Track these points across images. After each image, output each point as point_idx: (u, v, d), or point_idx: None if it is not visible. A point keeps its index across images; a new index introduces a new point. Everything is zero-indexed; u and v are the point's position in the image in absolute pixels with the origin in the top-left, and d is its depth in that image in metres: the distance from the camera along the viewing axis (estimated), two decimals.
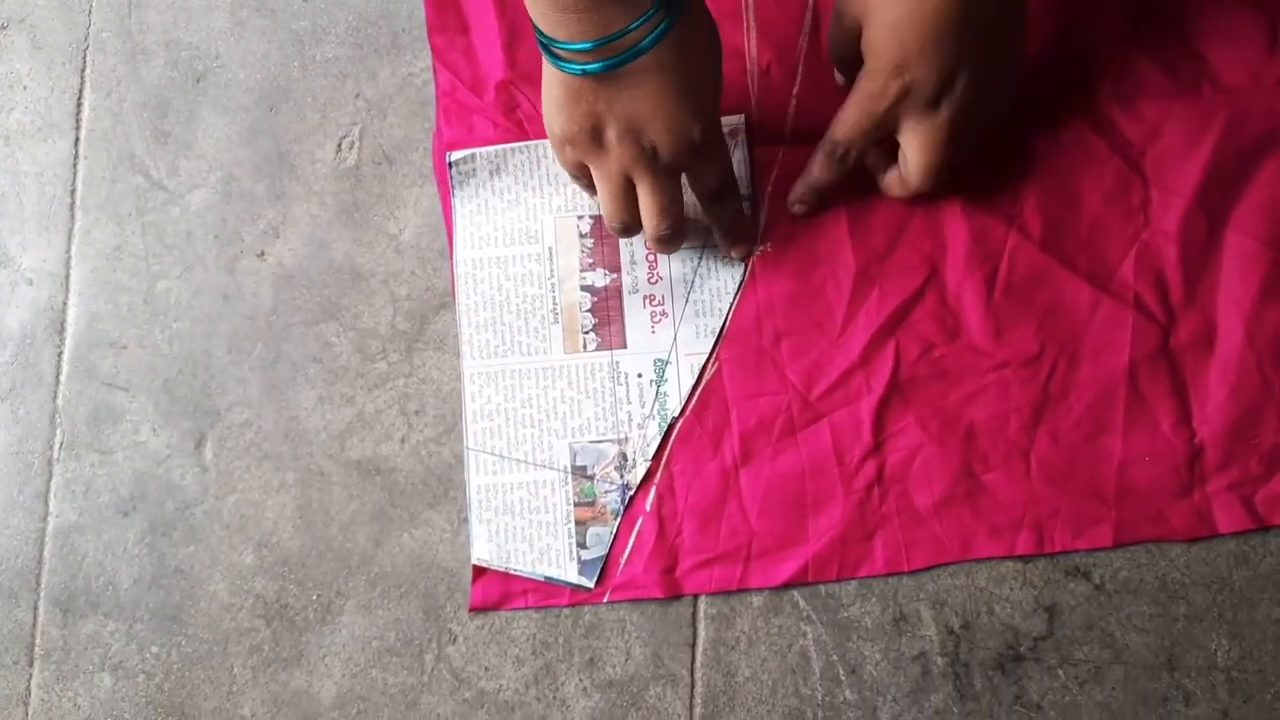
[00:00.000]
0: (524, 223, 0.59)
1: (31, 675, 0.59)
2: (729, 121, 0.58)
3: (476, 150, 0.59)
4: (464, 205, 0.59)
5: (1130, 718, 0.55)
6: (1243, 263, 0.57)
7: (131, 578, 0.59)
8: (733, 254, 0.59)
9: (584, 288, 0.59)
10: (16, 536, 0.59)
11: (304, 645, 0.58)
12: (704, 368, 0.58)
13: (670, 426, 0.58)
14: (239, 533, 0.59)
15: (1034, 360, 0.57)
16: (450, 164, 0.59)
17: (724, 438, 0.58)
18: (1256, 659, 0.55)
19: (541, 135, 0.59)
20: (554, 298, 0.59)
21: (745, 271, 0.58)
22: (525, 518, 0.58)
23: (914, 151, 0.53)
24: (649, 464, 0.58)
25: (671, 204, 0.53)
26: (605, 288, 0.59)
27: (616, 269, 0.59)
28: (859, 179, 0.57)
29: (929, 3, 0.49)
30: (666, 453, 0.58)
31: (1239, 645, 0.56)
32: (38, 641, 0.59)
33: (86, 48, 0.62)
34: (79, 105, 0.61)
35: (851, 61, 0.53)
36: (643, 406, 0.58)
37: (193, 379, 0.60)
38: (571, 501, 0.58)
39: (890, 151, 0.55)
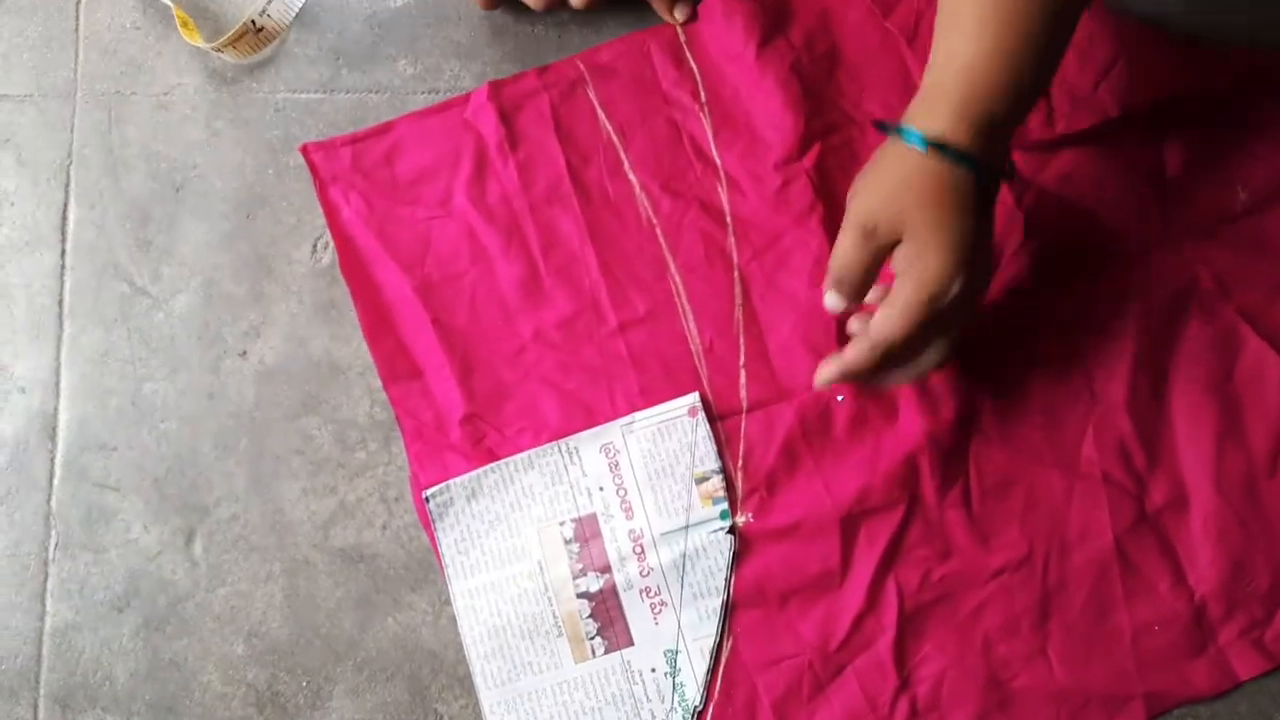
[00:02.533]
0: (509, 540, 0.60)
1: None
2: (685, 401, 0.60)
3: (450, 481, 0.61)
4: (447, 536, 0.60)
5: None
6: (1193, 416, 0.60)
7: (128, 672, 0.61)
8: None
9: (580, 595, 0.60)
10: (16, 636, 0.62)
11: None
12: (717, 649, 0.59)
13: (699, 715, 0.59)
14: (230, 624, 0.61)
15: (1026, 560, 0.59)
16: (427, 499, 0.61)
17: (757, 712, 0.59)
18: None
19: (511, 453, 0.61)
20: (553, 611, 0.59)
21: (733, 546, 0.60)
22: None
23: (936, 349, 0.54)
24: None
25: None
26: (600, 590, 0.60)
27: (607, 569, 0.60)
28: (827, 438, 0.60)
29: (967, 222, 0.50)
30: None
31: None
32: None
33: (70, 163, 0.65)
34: (64, 218, 0.64)
35: (864, 278, 0.52)
36: (663, 701, 0.59)
37: (181, 476, 0.62)
38: None
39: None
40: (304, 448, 0.62)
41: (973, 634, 0.59)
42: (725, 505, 0.60)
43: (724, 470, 0.60)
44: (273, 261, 0.64)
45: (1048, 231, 0.61)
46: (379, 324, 0.62)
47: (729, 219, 0.62)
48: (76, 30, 0.65)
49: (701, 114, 0.63)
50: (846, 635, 0.59)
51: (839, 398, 0.60)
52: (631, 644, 0.59)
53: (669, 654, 0.59)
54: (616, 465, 0.61)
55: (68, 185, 0.65)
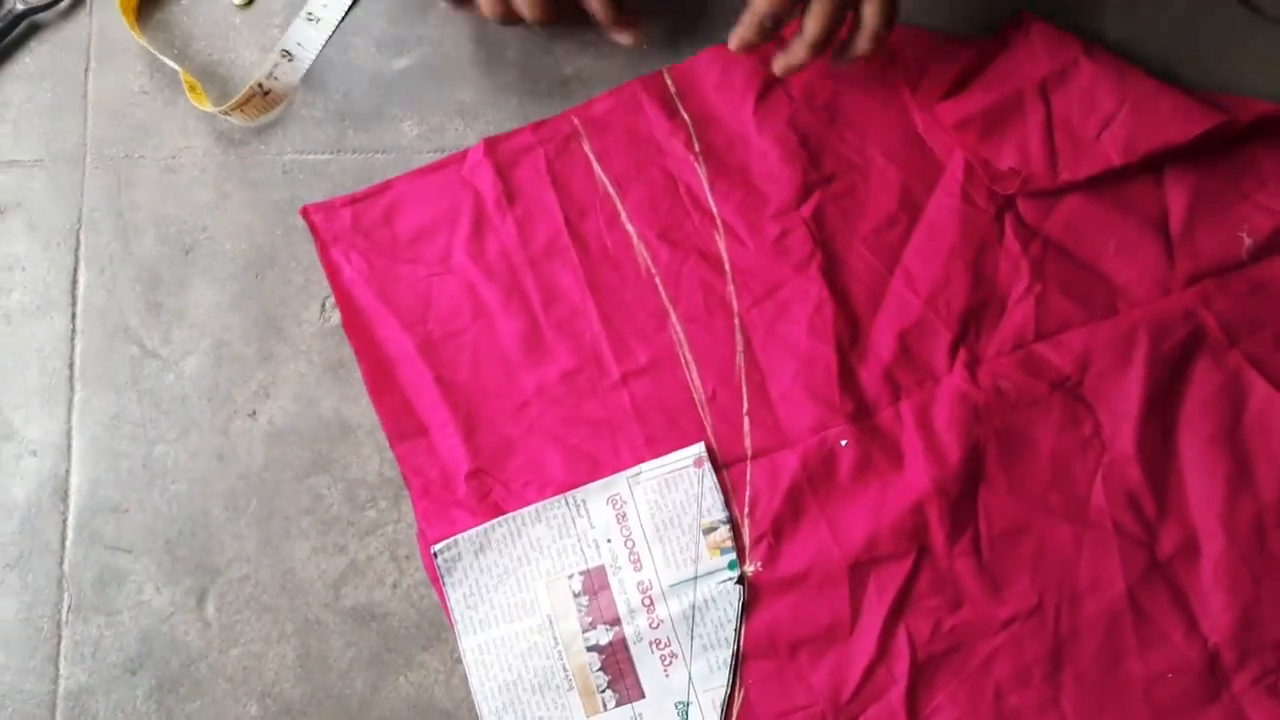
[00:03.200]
0: (517, 595, 0.60)
1: None
2: (691, 452, 0.61)
3: (458, 536, 0.61)
4: (455, 591, 0.60)
5: None
6: (1202, 465, 0.60)
7: None
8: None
9: (590, 648, 0.60)
10: (29, 701, 0.62)
11: None
12: (729, 700, 0.59)
13: None
14: (242, 685, 0.61)
15: (1037, 610, 0.59)
16: (435, 555, 0.61)
17: None
18: None
19: (517, 507, 0.61)
20: (563, 665, 0.59)
21: (742, 596, 0.59)
22: None
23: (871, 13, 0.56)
24: None
25: None
26: (610, 643, 0.60)
27: (616, 621, 0.60)
28: (832, 484, 0.60)
29: None
30: None
31: None
32: None
33: (80, 228, 0.65)
34: (75, 283, 0.65)
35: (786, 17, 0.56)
36: None
37: (192, 538, 0.63)
38: None
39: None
40: (314, 507, 0.63)
41: (984, 684, 0.59)
42: (733, 555, 0.60)
43: (731, 520, 0.60)
44: (282, 322, 0.64)
45: (1053, 278, 0.61)
46: (383, 382, 0.63)
47: (728, 268, 0.63)
48: (85, 96, 0.66)
49: (696, 164, 0.63)
50: (858, 686, 0.59)
51: (842, 442, 0.60)
52: (643, 697, 0.59)
53: (680, 706, 0.59)
54: (624, 517, 0.61)
55: (78, 249, 0.65)
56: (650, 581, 0.60)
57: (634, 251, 0.63)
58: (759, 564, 0.60)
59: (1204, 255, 0.61)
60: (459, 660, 0.61)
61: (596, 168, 0.64)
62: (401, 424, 0.62)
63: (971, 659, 0.59)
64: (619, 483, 0.61)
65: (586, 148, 0.64)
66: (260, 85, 0.64)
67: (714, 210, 0.63)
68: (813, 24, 0.56)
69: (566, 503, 0.61)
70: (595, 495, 0.61)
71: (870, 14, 0.56)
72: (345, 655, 0.61)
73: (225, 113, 0.64)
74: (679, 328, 0.62)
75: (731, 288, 0.62)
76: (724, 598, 0.60)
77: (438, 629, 0.61)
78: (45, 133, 0.66)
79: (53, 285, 0.65)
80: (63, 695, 0.62)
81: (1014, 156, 0.61)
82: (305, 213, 0.64)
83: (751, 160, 0.63)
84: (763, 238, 0.62)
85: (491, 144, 0.64)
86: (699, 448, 0.61)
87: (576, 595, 0.60)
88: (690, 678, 0.59)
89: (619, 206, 0.63)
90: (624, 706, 0.59)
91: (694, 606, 0.60)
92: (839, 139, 0.63)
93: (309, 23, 0.65)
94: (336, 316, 0.64)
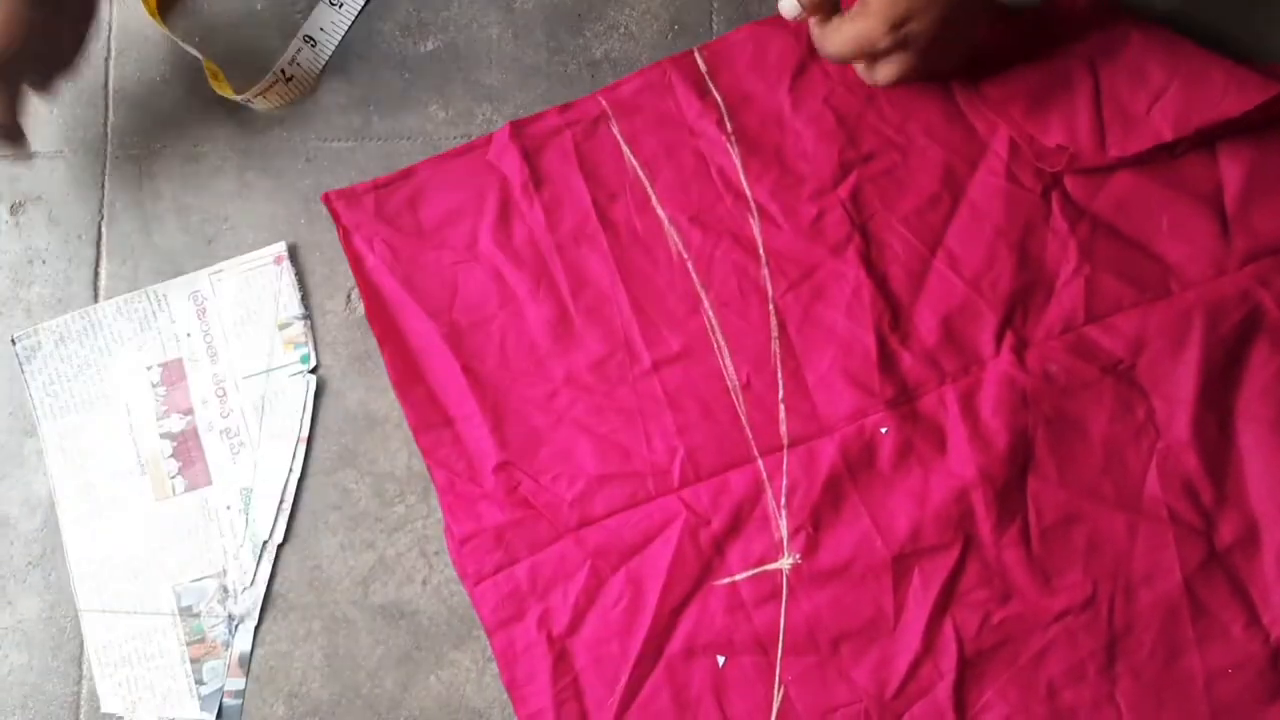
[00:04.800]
0: (97, 385, 0.62)
1: None
2: (271, 250, 0.62)
3: (38, 325, 0.62)
4: (35, 380, 0.62)
5: None
6: (1262, 451, 0.57)
7: None
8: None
9: (162, 435, 0.61)
10: (52, 702, 0.60)
11: None
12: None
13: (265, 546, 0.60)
14: (269, 685, 0.60)
15: (1090, 602, 0.57)
16: (14, 342, 0.62)
17: None
18: None
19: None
20: (136, 451, 0.61)
21: (311, 388, 0.61)
22: (144, 665, 0.60)
23: (884, 75, 0.56)
24: (251, 589, 0.60)
25: None
26: (183, 431, 0.61)
27: (189, 411, 0.61)
28: (872, 472, 0.58)
29: None
30: None
31: None
32: None
33: (101, 219, 0.64)
34: (96, 275, 0.64)
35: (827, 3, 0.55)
36: (235, 536, 0.60)
37: None
38: (184, 641, 0.60)
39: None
40: (341, 502, 0.61)
41: (1036, 680, 0.57)
42: (306, 350, 0.61)
43: (308, 318, 0.62)
44: (307, 313, 0.63)
45: (1103, 259, 0.59)
46: (408, 373, 0.61)
47: (762, 251, 0.61)
48: (106, 85, 0.65)
49: (729, 145, 0.61)
50: (903, 682, 0.57)
51: (883, 429, 0.58)
52: (210, 483, 0.61)
53: (245, 492, 0.60)
54: (204, 312, 0.62)
55: (99, 241, 0.64)
56: (225, 374, 0.61)
57: (665, 235, 0.61)
58: (797, 556, 0.58)
59: (1261, 234, 0.59)
60: (490, 659, 0.59)
61: (625, 150, 0.62)
62: (427, 415, 0.61)
63: (1022, 653, 0.57)
64: (201, 278, 0.62)
65: (615, 130, 0.62)
66: (283, 71, 0.63)
67: (747, 192, 0.61)
68: (832, 49, 0.56)
69: (148, 296, 0.62)
70: (177, 290, 0.62)
71: (881, 74, 0.57)
72: (374, 654, 0.60)
73: (248, 100, 0.62)
74: (711, 313, 0.60)
75: (766, 271, 0.60)
76: (294, 389, 0.61)
77: (469, 626, 0.59)
78: (66, 123, 0.65)
79: (74, 278, 0.64)
80: (86, 696, 0.60)
81: (1061, 133, 0.59)
82: (327, 199, 0.62)
83: (786, 140, 0.61)
84: (798, 220, 0.61)
85: (517, 127, 0.62)
86: (279, 246, 0.62)
87: (154, 386, 0.62)
88: (256, 464, 0.60)
89: (649, 189, 0.61)
90: (192, 492, 0.61)
91: (264, 398, 0.61)
92: (878, 117, 0.61)
93: (332, 7, 0.64)
94: (363, 308, 0.62)
